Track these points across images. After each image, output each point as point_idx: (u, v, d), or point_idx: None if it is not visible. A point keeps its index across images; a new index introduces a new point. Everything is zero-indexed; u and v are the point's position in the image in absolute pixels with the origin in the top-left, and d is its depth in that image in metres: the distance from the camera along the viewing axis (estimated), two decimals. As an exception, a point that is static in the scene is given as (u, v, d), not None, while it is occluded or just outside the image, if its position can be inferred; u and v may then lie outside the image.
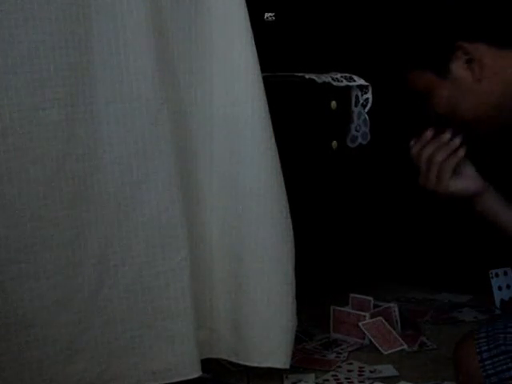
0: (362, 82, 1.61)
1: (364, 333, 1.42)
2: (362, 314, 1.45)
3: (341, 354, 1.39)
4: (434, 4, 1.23)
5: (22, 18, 1.03)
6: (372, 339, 1.41)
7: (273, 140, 1.21)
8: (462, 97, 1.21)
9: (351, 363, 1.35)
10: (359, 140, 1.63)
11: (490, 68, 1.19)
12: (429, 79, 1.23)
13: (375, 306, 1.50)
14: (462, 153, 1.28)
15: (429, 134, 1.30)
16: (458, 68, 1.20)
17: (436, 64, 1.21)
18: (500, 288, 1.58)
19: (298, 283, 1.25)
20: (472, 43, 1.18)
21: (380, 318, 1.44)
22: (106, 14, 1.09)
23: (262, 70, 1.21)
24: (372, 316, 1.45)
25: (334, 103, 1.59)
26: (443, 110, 1.24)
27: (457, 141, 1.28)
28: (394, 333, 1.43)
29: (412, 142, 1.34)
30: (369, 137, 1.64)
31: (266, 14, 1.60)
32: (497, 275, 1.58)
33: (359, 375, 1.30)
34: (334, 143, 1.61)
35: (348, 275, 1.68)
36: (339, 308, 1.48)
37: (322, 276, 1.62)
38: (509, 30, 1.19)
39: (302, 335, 1.43)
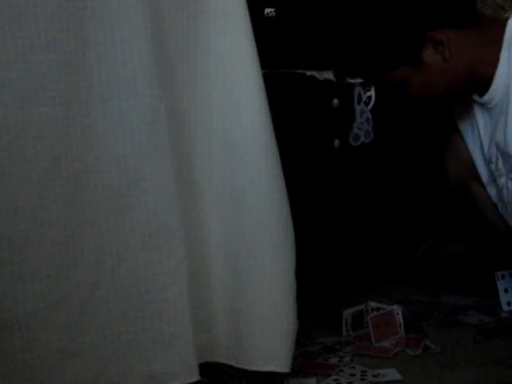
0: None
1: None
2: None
3: (343, 357, 1.38)
4: (398, 7, 1.40)
5: (15, 14, 1.03)
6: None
7: (273, 139, 1.21)
8: (436, 78, 1.39)
9: (353, 367, 1.34)
10: (362, 138, 1.64)
11: (455, 46, 1.37)
12: (404, 72, 1.40)
13: (378, 309, 1.50)
14: None
15: None
16: (428, 54, 1.38)
17: (410, 58, 1.38)
18: (506, 290, 1.57)
19: (298, 285, 1.25)
20: (437, 31, 1.36)
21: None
22: (102, 9, 1.09)
23: (262, 66, 1.21)
24: (375, 318, 1.45)
25: (335, 101, 1.60)
26: (421, 94, 1.41)
27: None
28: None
29: None
30: (372, 135, 1.65)
31: (267, 10, 1.60)
32: (503, 277, 1.57)
33: (362, 379, 1.29)
34: (336, 142, 1.62)
35: (350, 277, 1.68)
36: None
37: (324, 278, 1.62)
38: (462, 13, 1.39)
39: (302, 338, 1.42)
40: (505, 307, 1.57)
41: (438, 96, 1.43)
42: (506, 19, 1.40)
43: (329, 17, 1.67)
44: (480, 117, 1.48)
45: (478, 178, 1.53)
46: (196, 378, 1.17)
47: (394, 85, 1.42)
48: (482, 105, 1.45)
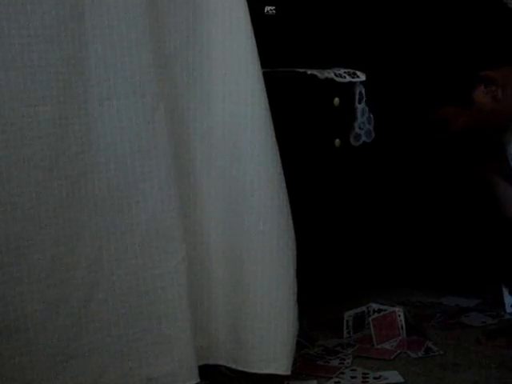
0: (365, 77, 1.62)
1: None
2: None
3: (344, 360, 1.38)
4: (450, 44, 1.33)
5: (12, 12, 1.03)
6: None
7: (273, 138, 1.21)
8: (485, 116, 1.33)
9: (355, 369, 1.35)
10: (363, 138, 1.64)
11: (509, 84, 1.31)
12: (453, 111, 1.34)
13: (380, 311, 1.50)
14: None
15: None
16: (480, 95, 1.31)
17: (460, 97, 1.32)
18: None
19: (299, 287, 1.25)
20: (492, 69, 1.29)
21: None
22: (101, 8, 1.09)
23: (263, 65, 1.21)
24: (377, 319, 1.45)
25: (336, 100, 1.60)
26: (463, 130, 1.36)
27: None
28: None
29: None
30: (373, 135, 1.65)
31: (267, 8, 1.60)
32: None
33: (363, 382, 1.30)
34: (337, 141, 1.62)
35: (351, 279, 1.67)
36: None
37: (325, 280, 1.62)
38: None
39: (303, 340, 1.42)
40: (509, 309, 1.57)
41: (484, 130, 1.38)
42: None
43: (329, 14, 1.68)
44: None
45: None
46: (195, 380, 1.18)
47: (438, 122, 1.37)
48: None
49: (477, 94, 1.31)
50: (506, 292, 1.56)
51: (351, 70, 1.61)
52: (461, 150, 1.52)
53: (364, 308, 1.52)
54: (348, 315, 1.50)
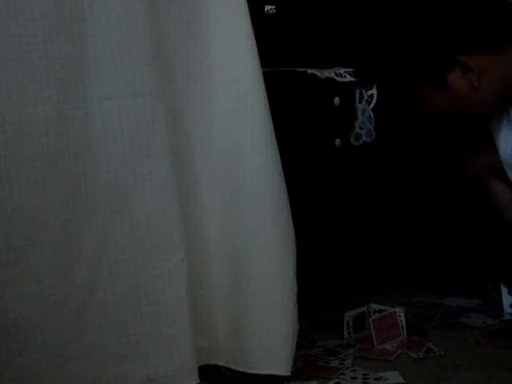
0: (366, 77, 1.62)
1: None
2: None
3: (345, 360, 1.39)
4: (426, 23, 1.33)
5: (11, 11, 1.03)
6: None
7: (273, 138, 1.21)
8: (460, 103, 1.33)
9: (355, 370, 1.35)
10: (363, 138, 1.64)
11: (486, 74, 1.30)
12: (426, 91, 1.34)
13: (380, 311, 1.50)
14: None
15: None
16: (455, 79, 1.31)
17: (434, 78, 1.32)
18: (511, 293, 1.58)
19: (299, 287, 1.25)
20: (468, 55, 1.29)
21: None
22: (101, 8, 1.09)
23: (263, 64, 1.21)
24: (377, 320, 1.46)
25: (337, 99, 1.60)
26: (441, 114, 1.36)
27: None
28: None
29: None
30: (374, 134, 1.65)
31: (267, 7, 1.60)
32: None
33: (363, 383, 1.30)
34: (338, 141, 1.61)
35: (352, 279, 1.68)
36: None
37: (325, 280, 1.62)
38: (496, 35, 1.31)
39: (303, 341, 1.42)
40: (507, 309, 1.57)
41: (464, 117, 1.38)
42: None
43: (329, 13, 1.68)
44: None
45: (499, 175, 1.48)
46: (195, 380, 1.18)
47: (414, 100, 1.38)
48: None
49: (452, 78, 1.31)
50: (504, 292, 1.56)
51: (352, 70, 1.60)
52: (453, 143, 1.52)
53: (364, 308, 1.52)
54: (348, 316, 1.50)
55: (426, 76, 1.33)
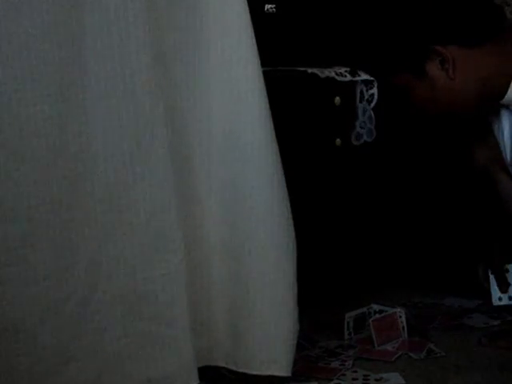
0: (367, 76, 1.62)
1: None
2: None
3: (345, 361, 1.39)
4: (408, 11, 1.40)
5: (11, 10, 1.03)
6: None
7: (274, 137, 1.21)
8: (438, 95, 1.38)
9: (356, 371, 1.35)
10: (364, 137, 1.64)
11: (462, 67, 1.35)
12: (407, 79, 1.39)
13: (381, 311, 1.50)
14: None
15: None
16: (433, 69, 1.36)
17: (412, 66, 1.37)
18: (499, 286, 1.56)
19: (299, 287, 1.25)
20: (444, 46, 1.35)
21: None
22: (100, 7, 1.09)
23: (263, 64, 1.21)
24: (377, 321, 1.46)
25: (337, 99, 1.60)
26: (421, 106, 1.41)
27: None
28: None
29: None
30: (374, 134, 1.65)
31: (267, 6, 1.60)
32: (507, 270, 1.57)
33: (364, 384, 1.30)
34: (338, 141, 1.62)
35: (352, 280, 1.68)
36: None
37: (325, 280, 1.62)
38: (475, 31, 1.36)
39: (304, 342, 1.43)
40: (495, 301, 1.56)
41: (443, 112, 1.42)
42: None
43: (330, 13, 1.68)
44: (506, 119, 1.46)
45: (505, 168, 1.51)
46: (195, 381, 1.18)
47: (398, 89, 1.42)
48: (506, 106, 1.43)
49: (430, 67, 1.36)
50: (493, 284, 1.56)
51: (352, 69, 1.62)
52: (458, 138, 1.55)
53: (365, 309, 1.52)
54: (349, 316, 1.50)
55: (406, 63, 1.38)
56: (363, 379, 1.31)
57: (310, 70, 1.55)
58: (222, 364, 1.28)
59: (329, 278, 1.63)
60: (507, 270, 1.49)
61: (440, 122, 1.47)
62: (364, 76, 1.62)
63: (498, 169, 1.50)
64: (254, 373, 1.25)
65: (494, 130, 1.49)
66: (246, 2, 1.18)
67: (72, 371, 1.11)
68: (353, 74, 1.61)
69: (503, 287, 1.46)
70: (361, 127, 1.64)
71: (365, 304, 1.54)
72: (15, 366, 1.07)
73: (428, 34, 1.36)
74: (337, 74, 1.58)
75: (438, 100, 1.39)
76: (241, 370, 1.26)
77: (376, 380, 1.31)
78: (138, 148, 1.13)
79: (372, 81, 1.62)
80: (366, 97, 1.63)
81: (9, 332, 1.06)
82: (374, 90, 1.63)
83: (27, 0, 1.04)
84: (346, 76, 1.60)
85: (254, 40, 1.19)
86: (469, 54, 1.36)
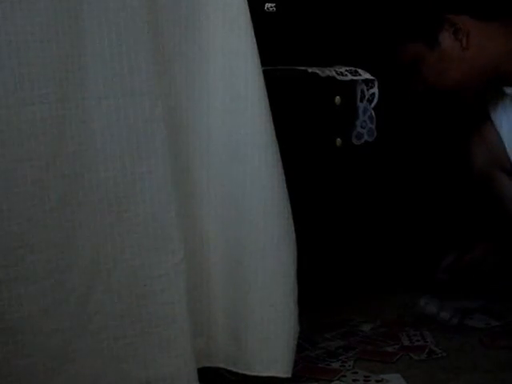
0: (367, 76, 1.62)
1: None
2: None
3: (346, 362, 1.39)
4: None
5: (9, 9, 1.03)
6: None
7: (274, 137, 1.21)
8: (450, 65, 1.38)
9: (356, 372, 1.35)
10: (365, 137, 1.64)
11: (475, 38, 1.36)
12: (419, 50, 1.39)
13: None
14: None
15: None
16: (446, 38, 1.36)
17: (425, 35, 1.37)
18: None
19: (300, 288, 1.25)
20: (458, 16, 1.36)
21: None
22: (99, 6, 1.10)
23: (263, 63, 1.21)
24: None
25: (338, 98, 1.60)
26: (432, 79, 1.40)
27: None
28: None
29: None
30: (375, 134, 1.64)
31: (267, 5, 1.59)
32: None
33: (365, 385, 1.31)
34: (339, 140, 1.61)
35: (353, 281, 1.68)
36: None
37: (326, 281, 1.62)
38: (487, 4, 1.37)
39: (304, 343, 1.43)
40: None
41: (453, 86, 1.41)
42: None
43: (330, 11, 1.68)
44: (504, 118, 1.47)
45: (506, 169, 1.51)
46: (194, 383, 1.18)
47: (406, 63, 1.42)
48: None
49: (443, 36, 1.37)
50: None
51: (353, 68, 1.61)
52: (456, 139, 1.55)
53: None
54: None
55: (419, 32, 1.38)
56: (364, 380, 1.31)
57: (310, 70, 1.55)
58: (221, 365, 1.28)
59: (329, 278, 1.63)
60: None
61: (446, 100, 1.45)
62: (365, 75, 1.62)
63: (496, 170, 1.50)
64: (254, 374, 1.25)
65: (501, 118, 1.48)
66: (246, 1, 1.19)
67: (71, 372, 1.12)
68: (353, 73, 1.62)
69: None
70: (361, 127, 1.63)
71: (365, 306, 1.54)
72: (14, 367, 1.07)
73: (440, 2, 1.37)
74: (337, 74, 1.58)
75: (449, 71, 1.39)
76: (240, 372, 1.27)
77: (377, 381, 1.31)
78: (138, 148, 1.14)
79: (373, 80, 1.62)
80: (367, 96, 1.62)
81: (8, 332, 1.06)
82: (375, 90, 1.62)
83: (26, 0, 1.04)
84: (346, 75, 1.59)
85: (254, 39, 1.19)
86: (481, 28, 1.37)
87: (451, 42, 1.36)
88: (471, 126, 1.55)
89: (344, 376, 1.33)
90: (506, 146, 1.47)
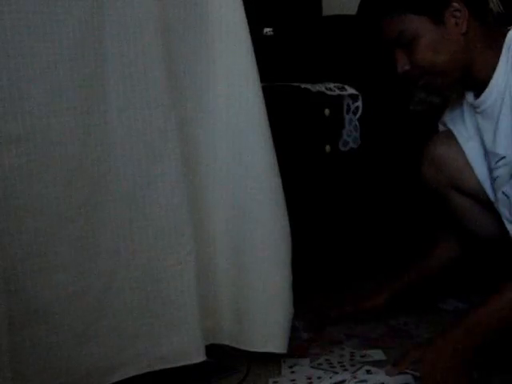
0: (353, 91, 1.64)
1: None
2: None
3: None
4: None
5: (41, 33, 1.05)
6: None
7: (272, 144, 1.24)
8: (447, 47, 1.27)
9: (343, 348, 1.38)
10: (350, 144, 1.66)
11: (471, 30, 1.26)
12: (422, 22, 1.26)
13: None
14: None
15: None
16: (450, 18, 1.26)
17: (432, 10, 1.26)
18: None
19: (294, 284, 1.27)
20: (461, 3, 1.25)
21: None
22: (119, 29, 1.11)
23: (261, 80, 1.23)
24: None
25: (327, 111, 1.62)
26: (425, 56, 1.27)
27: None
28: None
29: None
30: (359, 141, 1.67)
31: (265, 29, 1.62)
32: None
33: (350, 359, 1.32)
34: (328, 147, 1.64)
35: (342, 276, 1.68)
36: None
37: (318, 277, 1.62)
38: (484, 4, 1.29)
39: (297, 323, 1.45)
40: None
41: (442, 67, 1.27)
42: (507, 30, 1.28)
43: (322, 34, 1.69)
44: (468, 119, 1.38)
45: (461, 185, 1.41)
46: (203, 358, 1.21)
47: (408, 36, 1.27)
48: (474, 108, 1.34)
49: (448, 15, 1.25)
50: None
51: (340, 85, 1.63)
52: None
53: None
54: None
55: (427, 5, 1.26)
56: (350, 355, 1.34)
57: (303, 86, 1.57)
58: (226, 342, 1.31)
59: (319, 274, 1.63)
60: None
61: (423, 85, 1.31)
62: (350, 90, 1.63)
63: (450, 191, 1.42)
64: (254, 350, 1.28)
65: (460, 130, 1.40)
66: (247, 27, 1.21)
67: (94, 348, 1.14)
68: (340, 88, 1.62)
69: None
70: (347, 135, 1.65)
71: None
72: (46, 345, 1.09)
73: None
74: (326, 89, 1.60)
75: (444, 51, 1.26)
76: (242, 348, 1.29)
77: (361, 356, 1.33)
78: (153, 154, 1.15)
79: (357, 95, 1.63)
80: (352, 109, 1.64)
81: (41, 315, 1.08)
82: (359, 103, 1.64)
83: (56, 24, 1.05)
84: (334, 91, 1.61)
85: (254, 59, 1.21)
86: (475, 24, 1.27)
87: (453, 23, 1.25)
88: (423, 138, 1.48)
89: (332, 352, 1.36)
90: (469, 158, 1.38)
